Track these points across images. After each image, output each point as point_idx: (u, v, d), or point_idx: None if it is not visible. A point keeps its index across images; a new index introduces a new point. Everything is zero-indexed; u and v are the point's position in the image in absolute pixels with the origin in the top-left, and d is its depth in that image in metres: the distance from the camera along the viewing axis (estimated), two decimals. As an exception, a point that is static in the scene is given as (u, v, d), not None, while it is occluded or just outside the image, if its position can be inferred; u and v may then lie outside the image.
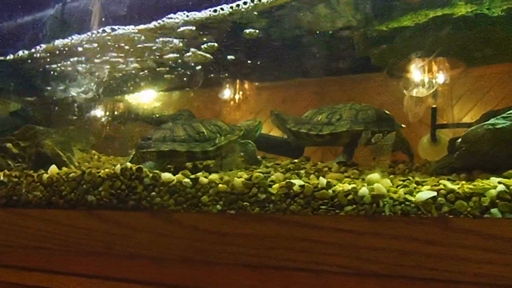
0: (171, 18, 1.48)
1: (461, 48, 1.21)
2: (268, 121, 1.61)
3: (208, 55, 1.56)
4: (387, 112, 1.29)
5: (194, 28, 1.48)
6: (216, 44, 1.53)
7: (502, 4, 1.07)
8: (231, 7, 1.35)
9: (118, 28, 1.58)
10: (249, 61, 1.73)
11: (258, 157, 1.40)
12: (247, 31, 1.45)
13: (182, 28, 1.49)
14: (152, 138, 1.34)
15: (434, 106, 1.43)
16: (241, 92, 1.97)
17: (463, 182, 0.92)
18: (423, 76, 1.32)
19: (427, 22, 1.12)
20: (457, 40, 1.16)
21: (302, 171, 1.16)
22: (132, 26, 1.60)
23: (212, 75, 1.73)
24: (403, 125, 1.32)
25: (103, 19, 1.81)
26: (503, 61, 1.41)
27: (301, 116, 1.41)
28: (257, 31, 1.45)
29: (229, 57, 1.61)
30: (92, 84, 1.73)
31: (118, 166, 1.16)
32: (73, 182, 1.21)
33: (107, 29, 1.64)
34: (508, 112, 0.93)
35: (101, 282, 1.14)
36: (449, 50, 1.21)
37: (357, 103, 1.33)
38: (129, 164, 1.16)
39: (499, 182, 0.84)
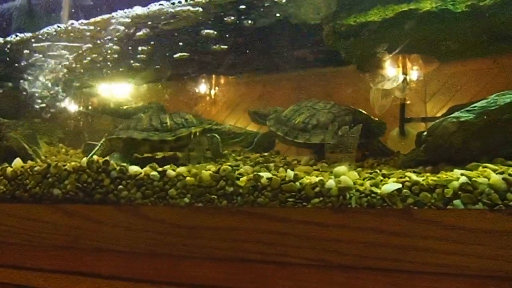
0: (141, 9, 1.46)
1: (426, 43, 1.23)
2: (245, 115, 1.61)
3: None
4: (368, 116, 1.29)
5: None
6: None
7: (466, 0, 1.09)
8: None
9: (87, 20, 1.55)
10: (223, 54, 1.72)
11: (225, 152, 1.40)
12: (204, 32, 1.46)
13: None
14: (118, 127, 1.36)
15: (402, 100, 1.45)
16: (215, 86, 1.96)
17: (428, 174, 0.93)
18: (390, 70, 1.34)
19: (394, 17, 1.13)
20: (421, 35, 1.17)
21: (271, 164, 1.16)
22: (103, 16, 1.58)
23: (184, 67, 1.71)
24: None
25: (73, 10, 1.78)
26: (467, 57, 1.44)
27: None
28: (214, 32, 1.45)
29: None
30: (60, 77, 1.69)
31: (85, 159, 1.14)
32: (38, 176, 1.18)
33: (78, 21, 1.61)
34: (472, 105, 0.95)
35: (66, 277, 1.11)
36: (414, 44, 1.22)
37: (338, 104, 1.34)
38: (95, 157, 1.14)
39: (462, 174, 0.85)
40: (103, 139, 1.37)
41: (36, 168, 1.20)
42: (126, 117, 1.50)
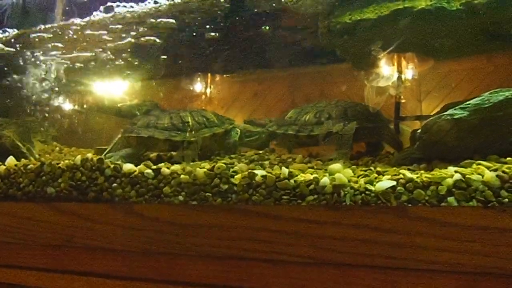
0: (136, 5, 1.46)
1: (421, 41, 1.23)
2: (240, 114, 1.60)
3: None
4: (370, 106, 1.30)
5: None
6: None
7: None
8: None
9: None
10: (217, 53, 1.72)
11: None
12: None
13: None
14: (137, 124, 1.34)
15: (397, 99, 1.46)
16: (209, 85, 1.95)
17: (422, 171, 0.93)
18: (384, 68, 1.34)
19: (389, 15, 1.14)
20: (416, 33, 1.18)
21: (266, 162, 1.15)
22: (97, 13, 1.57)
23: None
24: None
25: (67, 8, 1.77)
26: (462, 55, 1.45)
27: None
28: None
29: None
30: (53, 74, 1.68)
31: (79, 157, 1.13)
32: (31, 174, 1.17)
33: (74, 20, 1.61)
34: (466, 103, 0.95)
35: (60, 276, 1.11)
36: (409, 42, 1.22)
37: (341, 100, 1.34)
38: (89, 155, 1.13)
39: (456, 171, 0.85)
40: (119, 136, 1.35)
41: (29, 167, 1.19)
42: (120, 115, 1.50)
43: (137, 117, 1.38)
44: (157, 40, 1.49)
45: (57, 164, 1.15)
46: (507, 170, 0.82)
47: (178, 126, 1.31)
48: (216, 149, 1.35)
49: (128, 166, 1.09)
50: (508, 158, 0.91)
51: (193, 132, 1.30)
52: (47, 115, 1.73)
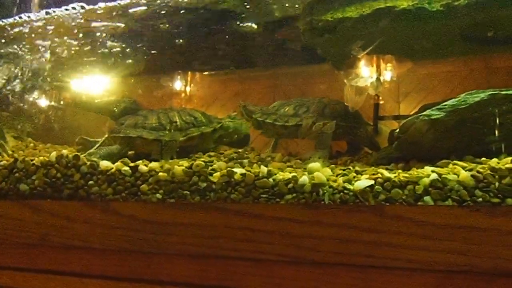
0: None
1: (401, 41, 1.24)
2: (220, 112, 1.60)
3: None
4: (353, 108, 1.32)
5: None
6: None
7: (441, -1, 1.11)
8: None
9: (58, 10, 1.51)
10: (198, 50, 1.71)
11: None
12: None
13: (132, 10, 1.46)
14: (125, 124, 1.32)
15: (376, 100, 1.47)
16: (190, 83, 1.94)
17: (400, 171, 0.94)
18: (364, 68, 1.36)
19: (370, 14, 1.14)
20: (397, 33, 1.19)
21: (245, 161, 1.15)
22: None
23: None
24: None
25: (45, 2, 1.73)
26: (440, 56, 1.47)
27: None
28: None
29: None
30: (29, 69, 1.65)
31: (54, 154, 1.11)
32: (4, 171, 1.14)
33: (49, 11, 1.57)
34: (443, 104, 0.97)
35: (34, 276, 1.08)
36: (389, 42, 1.23)
37: (326, 97, 1.36)
38: (65, 152, 1.11)
39: (432, 171, 0.87)
40: (106, 136, 1.34)
41: (2, 163, 1.16)
42: (97, 112, 1.47)
43: (125, 117, 1.37)
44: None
45: (31, 160, 1.12)
46: (481, 170, 0.84)
47: (165, 126, 1.31)
48: (203, 147, 1.35)
49: (105, 163, 1.07)
50: (483, 159, 0.93)
51: (181, 131, 1.30)
52: (22, 110, 1.69)
